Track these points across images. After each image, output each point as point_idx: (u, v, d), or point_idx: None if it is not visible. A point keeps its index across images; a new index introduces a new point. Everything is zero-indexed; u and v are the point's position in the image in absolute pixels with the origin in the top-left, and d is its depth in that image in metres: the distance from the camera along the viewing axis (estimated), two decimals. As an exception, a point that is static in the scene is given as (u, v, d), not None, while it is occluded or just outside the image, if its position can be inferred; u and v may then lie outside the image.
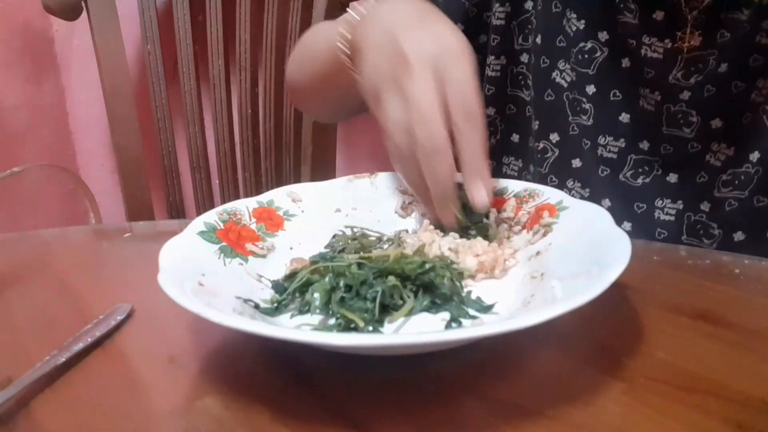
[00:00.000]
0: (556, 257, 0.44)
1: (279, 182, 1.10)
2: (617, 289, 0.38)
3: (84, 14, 0.98)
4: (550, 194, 0.50)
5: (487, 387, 0.35)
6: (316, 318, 0.42)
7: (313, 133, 1.06)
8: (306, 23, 1.03)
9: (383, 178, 0.57)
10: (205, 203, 1.08)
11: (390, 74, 0.47)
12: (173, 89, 1.04)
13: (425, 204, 0.50)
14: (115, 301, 0.46)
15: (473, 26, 0.70)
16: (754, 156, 0.59)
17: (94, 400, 0.36)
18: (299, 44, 0.77)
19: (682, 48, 0.59)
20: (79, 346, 0.40)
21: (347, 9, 0.56)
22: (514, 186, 0.53)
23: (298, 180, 1.09)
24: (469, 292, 0.44)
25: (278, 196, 0.54)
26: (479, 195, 0.46)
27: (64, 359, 0.38)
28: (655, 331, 0.40)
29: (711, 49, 0.58)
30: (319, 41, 0.68)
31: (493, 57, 0.70)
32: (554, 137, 0.67)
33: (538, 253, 0.46)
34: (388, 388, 0.35)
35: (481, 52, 0.71)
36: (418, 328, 0.40)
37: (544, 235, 0.47)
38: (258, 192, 0.54)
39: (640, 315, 0.41)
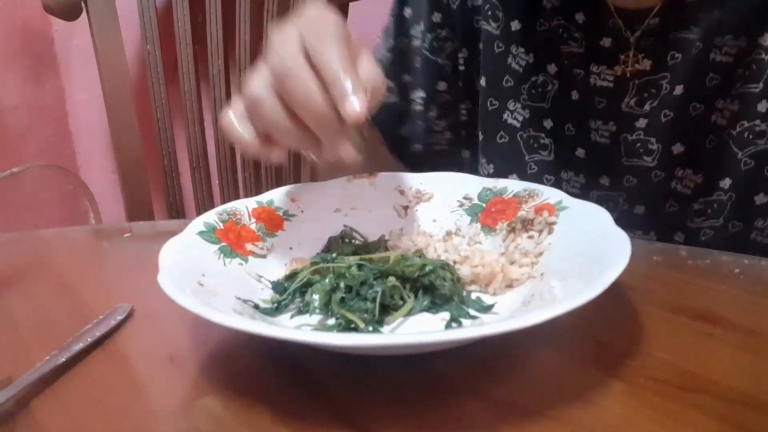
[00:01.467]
0: (556, 257, 0.44)
1: (279, 182, 1.10)
2: (617, 289, 0.38)
3: (84, 14, 0.98)
4: (549, 194, 0.50)
5: (487, 387, 0.35)
6: (315, 318, 0.42)
7: (313, 133, 1.05)
8: (306, 23, 1.03)
9: (382, 178, 0.57)
10: (205, 203, 1.08)
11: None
12: (173, 89, 1.04)
13: (309, 147, 0.43)
14: (115, 301, 0.46)
15: (454, 79, 0.69)
16: (725, 183, 0.57)
17: (94, 400, 0.36)
18: None
19: (629, 73, 0.57)
20: (79, 346, 0.40)
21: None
22: (513, 186, 0.53)
23: (298, 180, 1.09)
24: (469, 293, 0.44)
25: (278, 196, 0.54)
26: (350, 106, 0.38)
27: (64, 359, 0.38)
28: (655, 331, 0.40)
29: (663, 73, 0.56)
30: None
31: (461, 102, 0.70)
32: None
33: (540, 253, 0.46)
34: (388, 388, 0.35)
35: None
36: (418, 328, 0.41)
37: (549, 233, 0.47)
38: (258, 192, 0.54)
39: (640, 315, 0.41)
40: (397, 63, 0.71)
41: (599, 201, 0.61)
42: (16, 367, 0.38)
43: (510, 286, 0.44)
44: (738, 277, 0.47)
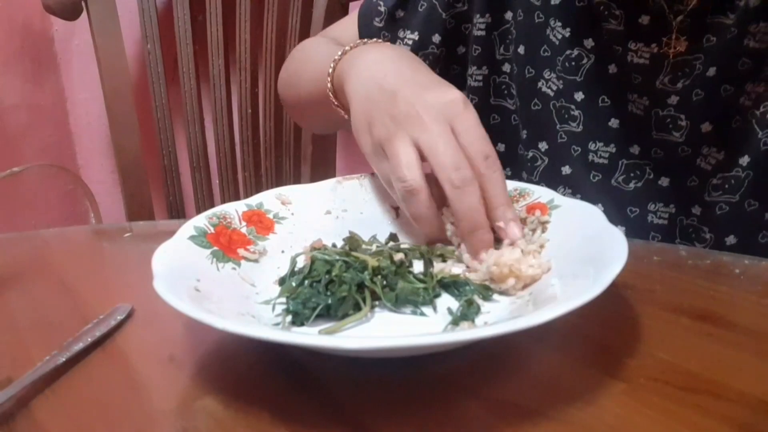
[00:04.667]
0: (553, 256, 0.44)
1: (279, 182, 1.10)
2: (617, 289, 0.38)
3: (84, 14, 0.98)
4: (540, 193, 0.50)
5: (487, 387, 0.35)
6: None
7: (313, 133, 1.06)
8: (306, 23, 1.03)
9: (371, 180, 0.57)
10: (205, 203, 1.08)
11: (397, 128, 0.47)
12: (173, 89, 1.04)
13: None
14: (115, 301, 0.46)
15: (452, 38, 0.71)
16: (744, 160, 0.58)
17: (94, 400, 0.36)
18: (290, 60, 0.79)
19: (668, 54, 0.59)
20: (79, 346, 0.40)
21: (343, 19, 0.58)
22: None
23: (298, 180, 1.09)
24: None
25: (267, 199, 0.53)
26: (512, 231, 0.46)
27: (64, 359, 0.38)
28: (655, 331, 0.39)
29: (697, 54, 0.58)
30: (306, 67, 0.70)
31: (475, 67, 0.71)
32: (543, 146, 0.67)
33: (542, 246, 0.46)
34: (388, 388, 0.35)
35: (460, 63, 0.72)
36: (417, 328, 0.40)
37: (543, 232, 0.47)
38: (258, 192, 0.54)
39: (640, 315, 0.41)
40: None
41: (628, 169, 0.64)
42: (16, 367, 0.38)
43: (528, 285, 0.44)
44: (738, 277, 0.47)
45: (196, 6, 1.02)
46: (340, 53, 0.58)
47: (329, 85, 0.59)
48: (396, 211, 0.55)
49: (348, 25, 0.77)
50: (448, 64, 0.72)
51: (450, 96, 0.48)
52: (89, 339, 0.41)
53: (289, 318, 0.41)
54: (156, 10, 1.00)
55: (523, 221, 0.49)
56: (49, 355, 0.38)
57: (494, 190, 0.46)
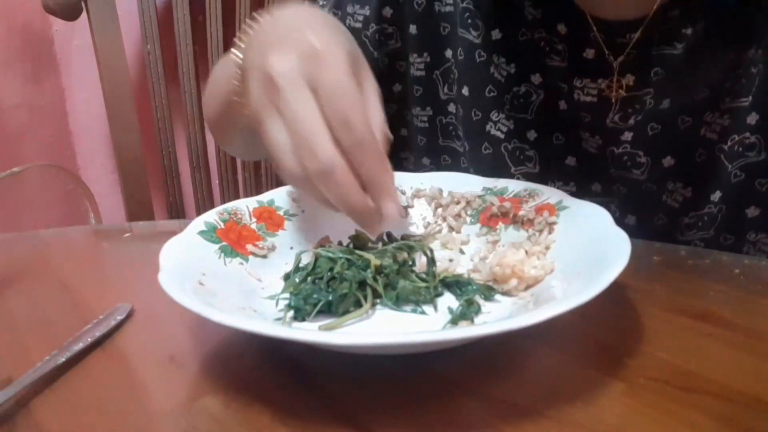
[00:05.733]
0: (556, 257, 0.44)
1: (279, 182, 1.10)
2: (617, 289, 0.38)
3: (84, 14, 0.98)
4: (549, 194, 0.50)
5: (487, 387, 0.35)
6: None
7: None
8: (306, 23, 1.03)
9: None
10: (205, 203, 1.08)
11: (264, 97, 0.42)
12: (173, 89, 1.04)
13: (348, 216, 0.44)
14: (115, 301, 0.46)
15: (386, 77, 0.66)
16: (716, 196, 0.56)
17: (94, 400, 0.36)
18: (209, 79, 0.69)
19: (614, 97, 0.56)
20: (79, 346, 0.40)
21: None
22: (514, 186, 0.53)
23: (298, 180, 1.09)
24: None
25: (278, 196, 0.54)
26: (386, 210, 0.42)
27: (64, 359, 0.38)
28: (655, 331, 0.40)
29: (646, 89, 0.55)
30: (217, 73, 0.62)
31: (419, 108, 0.67)
32: None
33: (547, 247, 0.46)
34: (388, 388, 0.35)
35: (396, 101, 0.68)
36: (417, 327, 0.40)
37: (550, 233, 0.47)
38: (258, 192, 0.54)
39: (640, 315, 0.41)
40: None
41: None
42: (16, 367, 0.38)
43: (531, 286, 0.43)
44: (738, 277, 0.47)
45: (196, 6, 1.02)
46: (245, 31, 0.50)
47: (237, 71, 0.48)
48: (405, 210, 0.55)
49: None
50: (385, 103, 0.69)
51: (309, 48, 0.41)
52: (89, 339, 0.41)
53: (290, 313, 0.41)
54: (156, 11, 1.00)
55: (531, 222, 0.49)
56: (49, 355, 0.38)
57: (363, 168, 0.41)
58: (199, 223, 0.48)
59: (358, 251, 0.45)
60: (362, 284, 0.42)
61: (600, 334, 0.40)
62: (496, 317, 0.41)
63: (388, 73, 0.66)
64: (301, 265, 0.46)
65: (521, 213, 0.50)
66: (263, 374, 0.37)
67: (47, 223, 1.18)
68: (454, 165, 0.67)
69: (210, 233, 0.47)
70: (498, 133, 0.62)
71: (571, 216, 0.47)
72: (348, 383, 0.36)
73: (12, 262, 0.59)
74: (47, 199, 1.21)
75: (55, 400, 0.36)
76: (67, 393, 0.36)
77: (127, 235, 0.66)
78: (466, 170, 0.65)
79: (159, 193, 1.07)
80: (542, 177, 0.61)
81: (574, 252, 0.43)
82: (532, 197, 0.51)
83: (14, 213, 1.14)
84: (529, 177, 0.62)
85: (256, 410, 0.34)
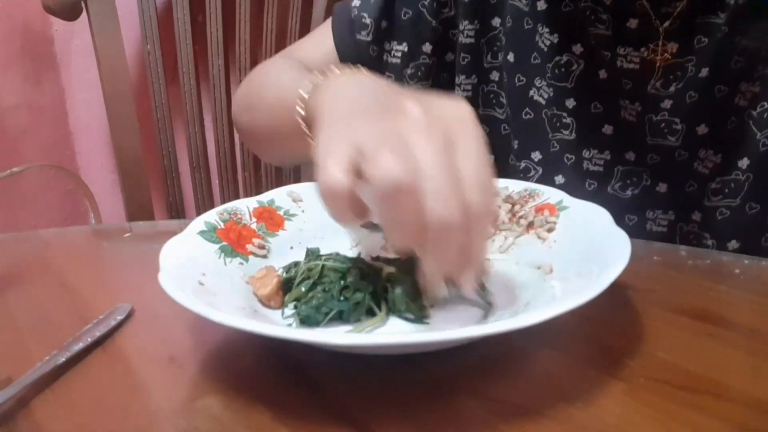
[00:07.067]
0: (556, 257, 0.44)
1: (279, 182, 1.10)
2: (617, 289, 0.38)
3: (84, 14, 0.98)
4: (550, 194, 0.50)
5: (487, 387, 0.35)
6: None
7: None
8: (306, 23, 1.03)
9: None
10: (205, 203, 1.08)
11: (382, 129, 0.36)
12: (173, 89, 1.04)
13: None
14: (115, 301, 0.46)
15: (441, 45, 0.68)
16: (743, 162, 0.58)
17: (94, 400, 0.36)
18: (247, 82, 0.70)
19: (658, 60, 0.58)
20: (79, 346, 0.40)
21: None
22: (514, 186, 0.53)
23: (298, 180, 1.09)
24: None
25: (279, 196, 0.54)
26: (465, 286, 0.37)
27: (64, 359, 0.38)
28: (655, 331, 0.40)
29: (689, 56, 0.58)
30: (269, 91, 0.60)
31: (464, 76, 0.69)
32: (536, 155, 0.66)
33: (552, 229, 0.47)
34: (388, 388, 0.35)
35: (448, 70, 0.70)
36: (416, 327, 0.41)
37: (550, 232, 0.47)
38: (258, 192, 0.54)
39: (640, 315, 0.41)
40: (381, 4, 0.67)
41: (624, 176, 0.62)
42: (16, 367, 0.38)
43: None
44: (738, 277, 0.47)
45: (195, 6, 1.02)
46: (313, 81, 0.46)
47: (301, 111, 0.46)
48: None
49: (316, 45, 0.72)
50: (438, 72, 0.70)
51: (456, 107, 0.37)
52: (89, 339, 0.41)
53: (297, 322, 0.41)
54: (156, 11, 1.00)
55: (531, 223, 0.49)
56: (49, 355, 0.38)
57: (467, 233, 0.35)
58: (199, 223, 0.48)
59: (365, 260, 0.45)
60: (373, 293, 0.42)
61: (600, 334, 0.40)
62: (496, 317, 0.41)
63: (443, 42, 0.69)
64: (294, 271, 0.45)
65: (521, 213, 0.50)
66: (263, 374, 0.37)
67: (47, 223, 1.18)
68: (493, 134, 0.69)
69: (210, 233, 0.47)
70: (540, 99, 0.65)
71: (571, 216, 0.47)
72: (348, 383, 0.36)
73: (12, 262, 0.59)
74: (47, 199, 1.21)
75: (55, 400, 0.36)
76: (67, 393, 0.36)
77: (127, 235, 0.66)
78: (505, 138, 0.68)
79: (159, 193, 1.07)
80: (578, 144, 0.64)
81: (574, 252, 0.43)
82: (533, 197, 0.51)
83: (14, 213, 1.14)
84: (564, 144, 0.65)
85: (256, 410, 0.34)
